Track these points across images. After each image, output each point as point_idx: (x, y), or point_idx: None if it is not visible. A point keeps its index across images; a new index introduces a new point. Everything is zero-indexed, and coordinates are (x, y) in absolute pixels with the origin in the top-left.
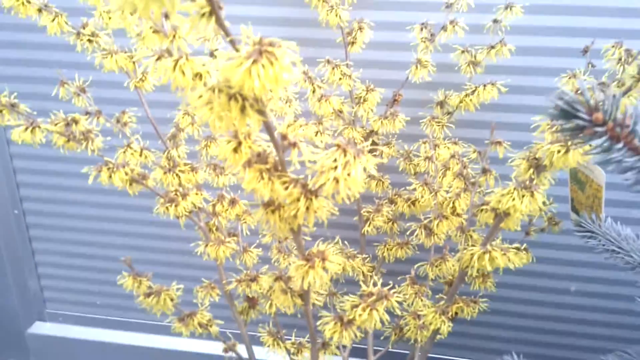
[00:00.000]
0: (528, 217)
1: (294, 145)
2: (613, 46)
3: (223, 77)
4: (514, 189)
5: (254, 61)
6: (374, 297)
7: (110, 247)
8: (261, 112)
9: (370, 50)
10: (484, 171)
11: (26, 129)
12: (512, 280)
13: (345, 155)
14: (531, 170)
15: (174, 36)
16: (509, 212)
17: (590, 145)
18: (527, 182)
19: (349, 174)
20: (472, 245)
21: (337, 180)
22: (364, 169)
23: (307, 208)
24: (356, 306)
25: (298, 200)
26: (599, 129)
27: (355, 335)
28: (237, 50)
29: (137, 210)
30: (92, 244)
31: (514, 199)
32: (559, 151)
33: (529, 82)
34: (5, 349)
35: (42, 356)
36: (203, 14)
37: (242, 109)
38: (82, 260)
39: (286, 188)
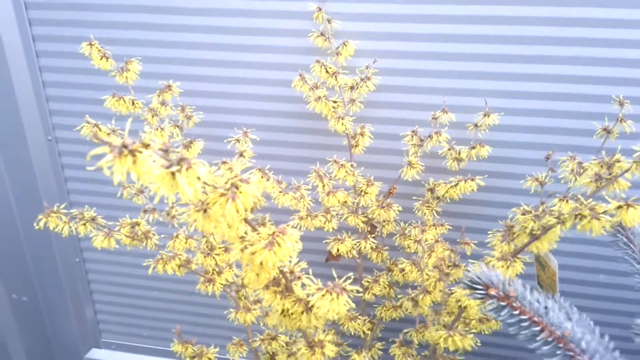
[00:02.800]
0: None
1: (299, 277)
2: (568, 159)
3: (248, 254)
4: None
5: (269, 250)
6: None
7: (153, 290)
8: (275, 266)
9: (372, 146)
10: (455, 265)
11: (104, 238)
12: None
13: (331, 294)
14: None
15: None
16: (469, 307)
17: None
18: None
19: (337, 305)
20: (443, 326)
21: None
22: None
23: (309, 320)
24: None
25: (302, 313)
26: (492, 300)
27: None
28: (258, 234)
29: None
30: (141, 287)
31: (469, 299)
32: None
33: (506, 169)
34: None
35: None
36: (238, 219)
37: (261, 264)
38: (132, 299)
39: (293, 305)
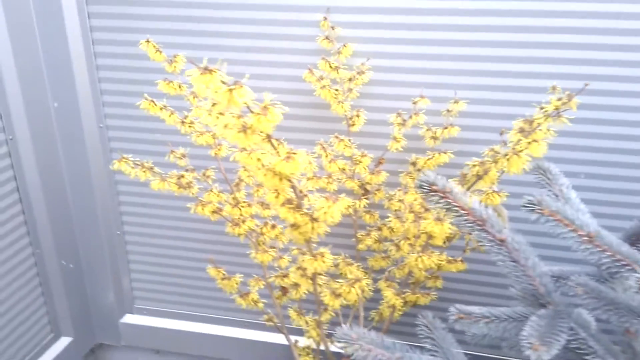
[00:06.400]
0: (466, 241)
1: (305, 195)
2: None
3: (272, 166)
4: (433, 219)
5: (286, 160)
6: (353, 280)
7: (183, 259)
8: (290, 180)
9: (364, 130)
10: (426, 210)
11: (160, 182)
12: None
13: (328, 201)
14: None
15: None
16: (433, 235)
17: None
18: (440, 216)
19: (332, 211)
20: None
21: (325, 214)
22: (340, 208)
23: (313, 227)
24: (342, 285)
25: (307, 223)
26: (434, 193)
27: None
28: (278, 151)
29: (211, 233)
30: (171, 256)
31: (433, 226)
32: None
33: (470, 149)
34: (103, 333)
35: (130, 340)
36: (264, 140)
37: (280, 180)
38: (165, 268)
39: (302, 217)
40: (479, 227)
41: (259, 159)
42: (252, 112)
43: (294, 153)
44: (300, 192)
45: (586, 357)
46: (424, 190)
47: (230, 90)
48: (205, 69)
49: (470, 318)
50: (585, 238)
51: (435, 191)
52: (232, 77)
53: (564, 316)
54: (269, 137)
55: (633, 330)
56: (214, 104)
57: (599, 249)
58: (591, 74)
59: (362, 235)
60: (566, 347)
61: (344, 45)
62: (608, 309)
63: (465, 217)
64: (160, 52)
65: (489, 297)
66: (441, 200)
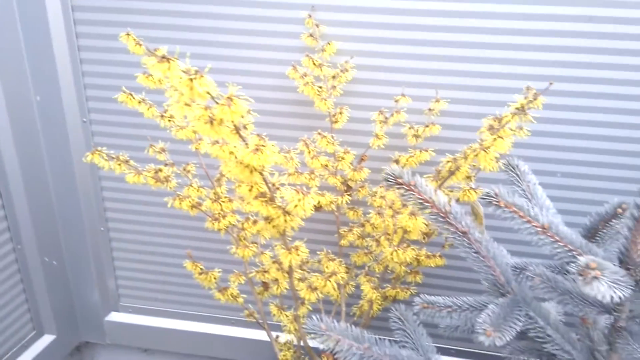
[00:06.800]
0: (445, 237)
1: (278, 188)
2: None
3: (240, 158)
4: (408, 214)
5: (254, 153)
6: (329, 274)
7: (169, 257)
8: (261, 173)
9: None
10: (404, 206)
11: (135, 175)
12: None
13: (299, 194)
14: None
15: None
16: (408, 229)
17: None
18: (414, 210)
19: (303, 204)
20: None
21: (296, 207)
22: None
23: (285, 221)
24: (318, 278)
25: (280, 216)
26: (399, 185)
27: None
28: (247, 144)
29: (199, 230)
30: (157, 253)
31: (407, 220)
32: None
33: (447, 148)
34: (88, 331)
35: (116, 338)
36: (232, 132)
37: (251, 172)
38: (151, 265)
39: (274, 210)
40: (442, 219)
41: (231, 152)
42: (217, 103)
43: (263, 145)
44: (273, 185)
45: (545, 345)
46: (390, 182)
47: (191, 79)
48: (163, 57)
49: (434, 307)
50: (539, 229)
51: (400, 184)
52: (221, 75)
53: (521, 305)
54: (237, 128)
55: (590, 321)
56: (180, 95)
57: (552, 239)
58: (570, 75)
59: (344, 231)
60: (527, 336)
61: (328, 43)
62: (564, 298)
63: (430, 210)
64: (141, 45)
65: (469, 292)
66: (406, 193)
